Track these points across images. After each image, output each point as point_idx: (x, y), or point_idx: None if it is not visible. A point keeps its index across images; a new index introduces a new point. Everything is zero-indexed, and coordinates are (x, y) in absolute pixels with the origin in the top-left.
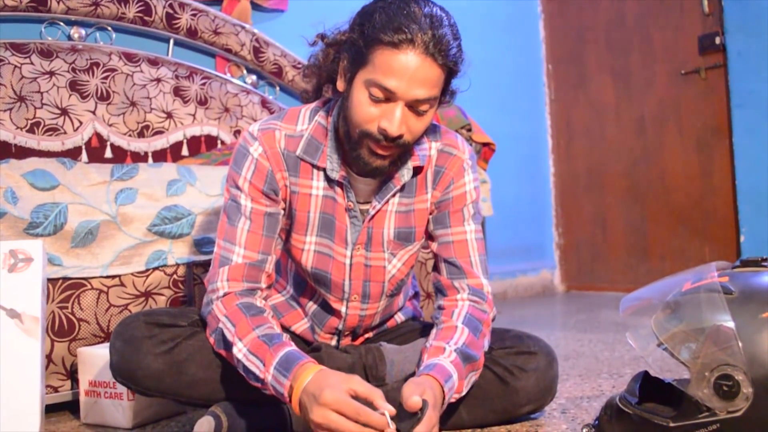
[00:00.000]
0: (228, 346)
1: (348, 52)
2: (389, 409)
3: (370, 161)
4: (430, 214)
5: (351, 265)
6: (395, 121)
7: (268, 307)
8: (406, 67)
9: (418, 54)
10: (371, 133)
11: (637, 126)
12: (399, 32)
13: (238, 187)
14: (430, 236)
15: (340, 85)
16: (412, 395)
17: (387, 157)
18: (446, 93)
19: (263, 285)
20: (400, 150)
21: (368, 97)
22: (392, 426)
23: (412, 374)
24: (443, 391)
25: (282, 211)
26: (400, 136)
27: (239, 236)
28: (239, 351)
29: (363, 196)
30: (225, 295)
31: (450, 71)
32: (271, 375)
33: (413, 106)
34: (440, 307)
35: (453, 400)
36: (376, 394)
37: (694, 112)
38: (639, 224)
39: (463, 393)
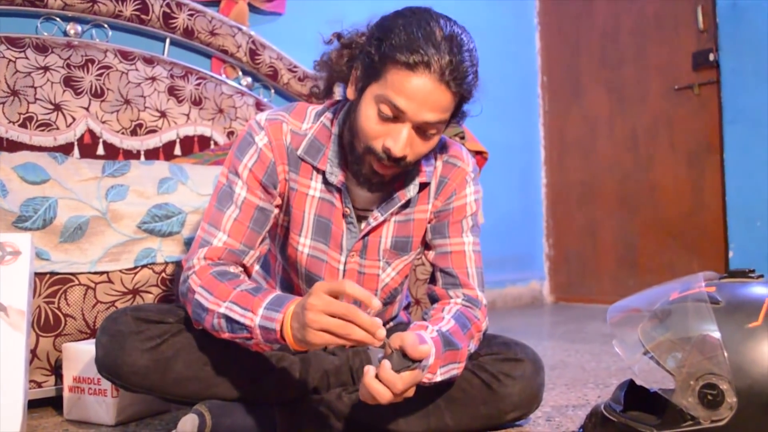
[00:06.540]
0: (206, 313)
1: (362, 62)
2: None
3: (369, 177)
4: (429, 223)
5: (344, 271)
6: (400, 141)
7: (244, 274)
8: (418, 91)
9: (432, 80)
10: (375, 151)
11: (629, 140)
12: (416, 54)
13: (237, 174)
14: (427, 245)
15: (351, 93)
16: (417, 344)
17: (387, 176)
18: (456, 116)
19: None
20: (400, 170)
21: (377, 113)
22: (383, 333)
23: None
24: None
25: (276, 209)
26: (404, 158)
27: (225, 222)
28: (220, 308)
29: (361, 203)
30: (200, 268)
31: (462, 97)
32: (260, 316)
33: (421, 128)
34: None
35: (426, 381)
36: (368, 296)
37: (687, 128)
38: (629, 237)
39: (437, 379)
